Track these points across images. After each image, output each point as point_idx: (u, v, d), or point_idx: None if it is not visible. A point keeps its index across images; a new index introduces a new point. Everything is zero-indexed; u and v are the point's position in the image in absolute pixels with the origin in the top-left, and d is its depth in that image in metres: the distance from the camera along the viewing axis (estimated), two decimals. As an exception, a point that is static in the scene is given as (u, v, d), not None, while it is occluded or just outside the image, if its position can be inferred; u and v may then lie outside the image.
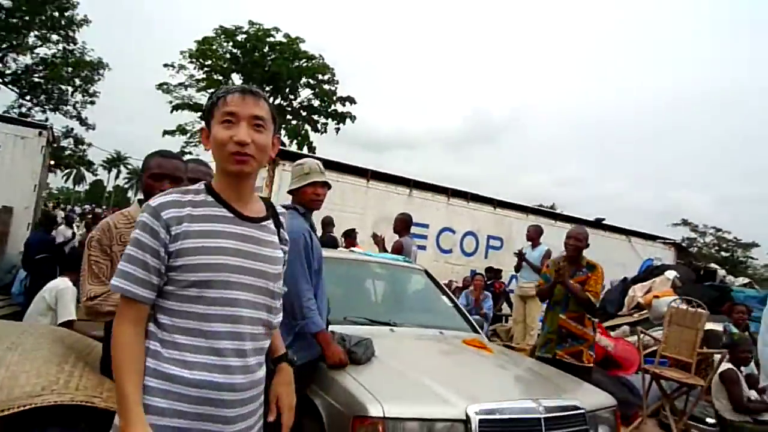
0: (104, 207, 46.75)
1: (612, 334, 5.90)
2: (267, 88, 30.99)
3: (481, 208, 11.03)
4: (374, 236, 6.03)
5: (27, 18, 23.11)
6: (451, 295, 4.47)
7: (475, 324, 4.11)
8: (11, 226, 8.28)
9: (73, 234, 9.60)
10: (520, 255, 6.93)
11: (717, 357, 4.57)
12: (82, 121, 26.26)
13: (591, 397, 2.94)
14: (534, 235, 7.13)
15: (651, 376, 4.21)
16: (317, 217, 6.88)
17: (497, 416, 2.44)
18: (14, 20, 22.91)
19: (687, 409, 4.32)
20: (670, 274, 8.16)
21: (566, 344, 3.93)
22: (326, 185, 2.97)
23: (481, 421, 2.38)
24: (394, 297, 4.28)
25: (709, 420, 4.40)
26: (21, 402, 1.81)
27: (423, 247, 9.92)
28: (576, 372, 3.67)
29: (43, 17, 23.60)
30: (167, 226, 1.31)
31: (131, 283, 1.30)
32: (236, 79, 31.26)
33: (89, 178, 59.11)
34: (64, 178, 55.71)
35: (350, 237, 7.09)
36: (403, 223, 6.02)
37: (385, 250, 5.88)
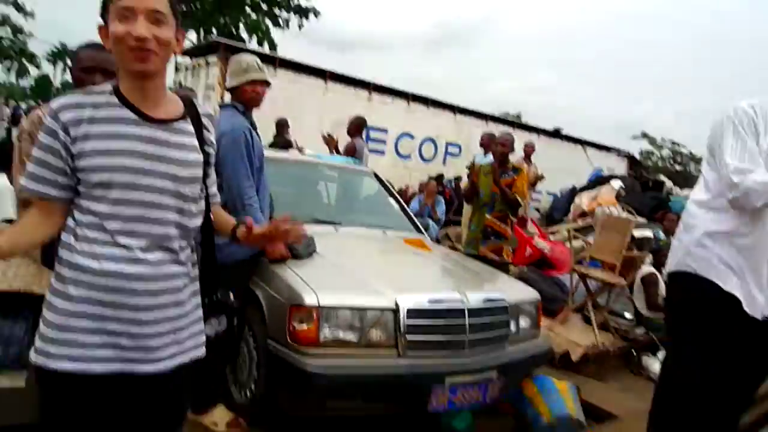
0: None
1: (552, 238, 6.26)
2: (223, -23, 28.86)
3: (441, 114, 11.03)
4: (326, 137, 6.01)
5: None
6: (399, 197, 4.59)
7: (419, 225, 4.29)
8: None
9: None
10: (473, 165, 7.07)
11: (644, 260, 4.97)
12: (19, 7, 24.13)
13: (514, 291, 3.19)
14: (487, 143, 7.22)
15: (579, 276, 4.56)
16: (270, 118, 6.76)
17: (424, 306, 2.64)
18: None
19: (608, 304, 4.74)
20: (616, 183, 8.53)
21: (489, 241, 4.30)
22: (266, 83, 2.94)
23: (409, 310, 2.59)
24: (342, 198, 4.39)
25: (627, 315, 4.85)
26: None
27: (381, 152, 9.99)
28: (498, 267, 4.02)
29: None
30: (65, 127, 1.32)
31: (36, 182, 1.35)
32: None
33: (33, 72, 55.22)
34: (5, 71, 51.95)
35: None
36: (357, 126, 6.01)
37: (338, 152, 5.90)
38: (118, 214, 1.35)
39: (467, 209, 7.48)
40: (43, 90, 63.93)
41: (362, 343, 2.55)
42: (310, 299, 2.49)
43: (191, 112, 1.50)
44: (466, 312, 2.74)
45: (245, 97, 2.89)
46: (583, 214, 8.07)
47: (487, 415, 3.12)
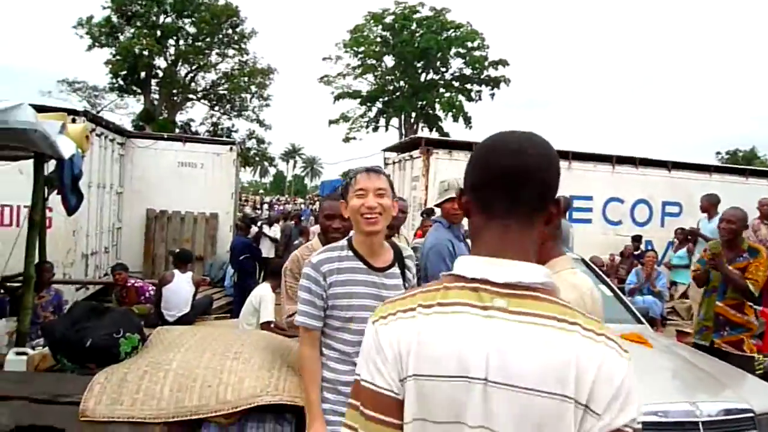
0: (286, 195, 52.09)
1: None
2: (419, 65, 31.67)
3: (652, 172, 10.20)
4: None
5: (208, 39, 26.61)
6: (611, 283, 4.42)
7: (638, 315, 4.05)
8: (218, 230, 9.95)
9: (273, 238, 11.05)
10: (693, 232, 6.39)
11: None
12: (261, 123, 29.64)
13: (762, 396, 2.81)
14: (708, 206, 6.50)
15: None
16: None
17: (649, 418, 2.51)
18: (198, 43, 26.55)
19: None
20: None
21: (724, 333, 3.72)
22: None
23: (632, 423, 2.47)
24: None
25: None
26: (248, 401, 2.43)
27: (588, 221, 9.59)
28: (739, 361, 3.49)
29: (220, 36, 26.96)
30: (324, 276, 1.92)
31: (308, 318, 1.94)
32: (389, 61, 32.44)
33: (272, 170, 66.35)
34: (252, 172, 63.25)
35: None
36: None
37: (541, 236, 5.89)
38: (356, 340, 1.83)
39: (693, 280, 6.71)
40: (279, 184, 76.16)
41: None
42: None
43: (398, 257, 2.06)
44: (701, 425, 2.52)
45: (445, 213, 3.25)
46: None
47: None
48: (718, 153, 45.80)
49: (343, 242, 2.02)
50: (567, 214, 6.08)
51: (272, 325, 4.47)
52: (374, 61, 32.64)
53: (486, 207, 0.97)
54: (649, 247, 8.62)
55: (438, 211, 3.58)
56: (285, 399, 2.48)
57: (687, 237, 7.87)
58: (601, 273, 4.55)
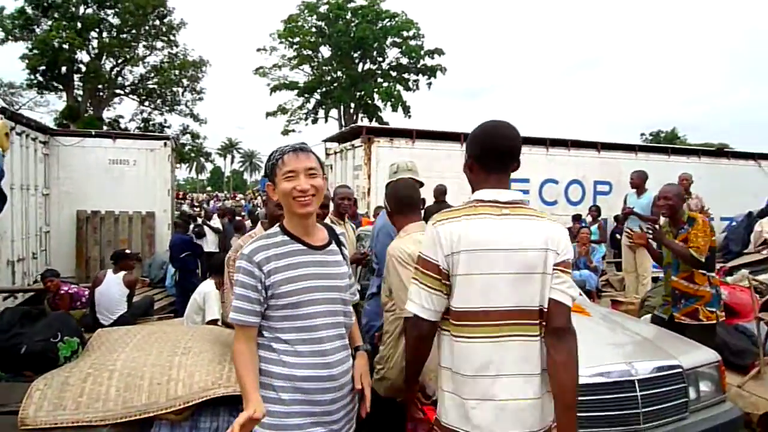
0: (225, 192, 50.74)
1: (729, 279, 5.67)
2: (355, 55, 31.54)
3: (583, 153, 10.69)
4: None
5: (134, 31, 25.37)
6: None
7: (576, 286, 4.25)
8: (155, 228, 9.59)
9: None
10: (629, 212, 6.70)
11: None
12: (195, 118, 28.68)
13: (691, 355, 3.03)
14: (638, 182, 6.85)
15: (766, 324, 4.10)
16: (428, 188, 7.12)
17: (589, 381, 2.65)
18: (123, 36, 25.27)
19: (814, 352, 4.16)
20: (803, 203, 7.48)
21: (680, 305, 3.83)
22: (413, 181, 3.28)
23: (575, 386, 2.62)
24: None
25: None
26: (200, 395, 2.39)
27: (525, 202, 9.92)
28: (695, 331, 3.61)
29: (147, 27, 25.76)
30: (259, 266, 1.75)
31: (242, 314, 1.75)
32: (325, 51, 32.11)
33: (209, 166, 64.41)
34: (188, 169, 61.12)
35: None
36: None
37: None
38: (307, 326, 1.77)
39: (627, 255, 7.11)
40: (217, 180, 74.04)
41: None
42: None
43: (333, 236, 1.97)
44: (636, 383, 2.69)
45: None
46: (765, 243, 7.17)
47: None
48: (643, 134, 48.41)
49: (275, 228, 1.87)
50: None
51: (218, 323, 4.37)
52: (310, 52, 32.19)
53: (488, 167, 1.81)
54: (584, 225, 9.02)
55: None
56: (239, 390, 2.44)
57: (622, 215, 8.31)
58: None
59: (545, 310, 1.70)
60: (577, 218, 9.74)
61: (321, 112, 33.25)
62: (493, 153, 1.80)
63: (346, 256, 1.97)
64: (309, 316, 1.77)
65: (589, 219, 9.48)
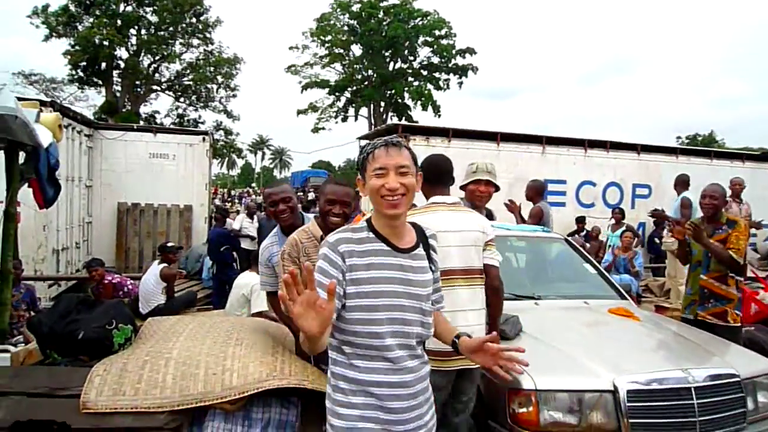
0: (254, 187, 51.38)
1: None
2: (386, 53, 31.59)
3: (622, 155, 10.45)
4: (509, 204, 6.16)
5: (171, 29, 25.89)
6: (593, 261, 4.53)
7: (621, 290, 4.17)
8: (192, 221, 9.77)
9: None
10: (657, 215, 6.62)
11: None
12: (229, 114, 29.11)
13: (746, 363, 2.94)
14: (680, 186, 6.75)
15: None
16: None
17: (645, 386, 2.60)
18: (161, 33, 25.82)
19: None
20: None
21: (708, 305, 3.86)
22: (490, 184, 3.29)
23: (629, 392, 2.57)
24: (536, 269, 4.47)
25: None
26: (255, 386, 2.42)
27: (562, 204, 9.77)
28: (722, 332, 3.62)
29: (184, 25, 26.27)
30: (343, 257, 1.64)
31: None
32: (356, 50, 32.24)
33: (239, 162, 65.34)
34: (219, 165, 62.18)
35: None
36: (535, 191, 6.08)
37: (522, 219, 6.00)
38: (384, 331, 1.63)
39: (669, 259, 6.96)
40: (247, 176, 75.10)
41: (583, 425, 2.59)
42: (527, 383, 2.61)
43: (422, 238, 1.83)
44: (693, 391, 2.62)
45: (468, 195, 3.30)
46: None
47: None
48: (679, 137, 47.22)
49: (361, 223, 1.76)
50: (543, 195, 6.17)
51: (263, 315, 4.42)
52: (341, 50, 32.37)
53: (435, 184, 2.82)
54: (623, 229, 8.84)
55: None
56: (293, 382, 2.47)
57: (654, 217, 8.12)
58: (583, 251, 4.66)
59: (482, 269, 2.70)
60: (580, 220, 9.48)
61: (351, 111, 33.39)
62: (440, 176, 2.86)
63: (434, 260, 1.84)
64: (382, 322, 1.64)
65: (612, 222, 9.23)
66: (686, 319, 3.99)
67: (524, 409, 2.62)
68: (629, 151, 10.48)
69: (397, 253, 1.72)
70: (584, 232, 9.28)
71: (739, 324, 3.82)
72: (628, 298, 4.10)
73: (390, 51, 31.76)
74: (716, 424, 2.62)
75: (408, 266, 1.72)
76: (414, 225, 1.86)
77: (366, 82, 32.41)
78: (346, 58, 32.81)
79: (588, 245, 8.25)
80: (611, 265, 7.33)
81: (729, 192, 7.00)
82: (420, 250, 1.79)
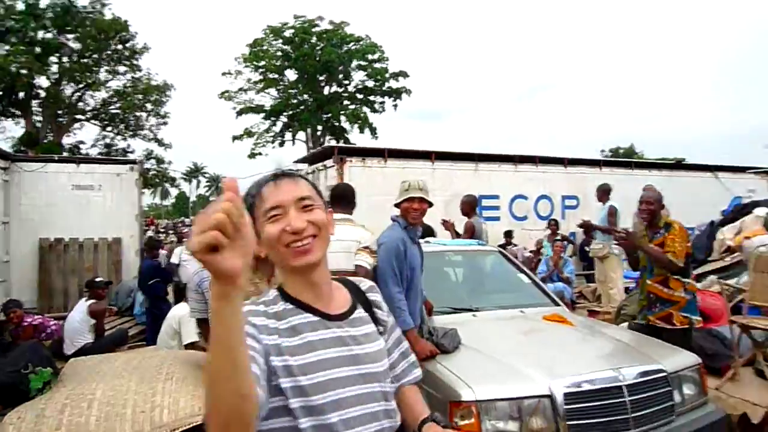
0: (191, 217, 49.83)
1: (699, 285, 5.83)
2: (321, 78, 31.72)
3: (551, 169, 10.93)
4: (444, 222, 6.29)
5: (96, 56, 24.94)
6: (527, 271, 4.67)
7: (554, 297, 4.31)
8: (122, 254, 9.31)
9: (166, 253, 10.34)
10: (585, 226, 6.96)
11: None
12: (160, 142, 28.19)
13: (673, 359, 3.08)
14: (601, 196, 7.14)
15: (740, 327, 4.22)
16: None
17: (580, 388, 2.68)
18: (85, 60, 24.81)
19: (784, 354, 4.30)
20: (761, 211, 7.79)
21: (655, 309, 3.92)
22: (423, 201, 3.30)
23: (565, 394, 2.64)
24: (473, 282, 4.56)
25: (808, 362, 4.36)
26: (187, 421, 2.30)
27: (497, 218, 10.06)
28: (670, 335, 3.70)
29: (109, 52, 25.37)
30: (259, 331, 1.13)
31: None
32: (291, 74, 32.18)
33: (174, 191, 63.22)
34: (152, 195, 59.95)
35: None
36: (469, 205, 6.24)
37: (457, 234, 6.12)
38: None
39: (597, 266, 7.28)
40: (182, 206, 72.75)
41: (524, 432, 2.63)
42: (467, 395, 2.64)
43: (357, 295, 1.35)
44: (625, 389, 2.72)
45: (403, 212, 3.30)
46: (729, 250, 7.43)
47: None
48: (603, 151, 49.91)
49: (272, 293, 1.26)
50: (476, 211, 6.34)
51: (196, 347, 4.25)
52: (276, 75, 32.23)
53: (335, 205, 3.38)
54: (557, 239, 9.18)
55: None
56: None
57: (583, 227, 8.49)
58: (517, 262, 4.80)
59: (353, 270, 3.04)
60: (508, 234, 9.64)
61: (288, 135, 33.18)
62: (335, 198, 3.61)
63: (382, 320, 1.35)
64: (336, 428, 1.13)
65: (548, 232, 9.61)
66: (639, 324, 4.05)
67: (466, 421, 2.62)
68: (557, 165, 10.97)
69: (329, 323, 1.22)
70: (512, 245, 9.52)
71: (687, 326, 3.83)
72: (562, 304, 4.24)
73: (325, 75, 31.94)
74: (648, 419, 2.73)
75: (349, 338, 1.22)
76: (344, 281, 1.39)
77: (302, 107, 32.36)
78: (281, 82, 32.68)
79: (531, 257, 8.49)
80: (547, 275, 7.58)
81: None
82: (360, 312, 1.30)
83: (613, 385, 2.72)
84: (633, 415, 2.69)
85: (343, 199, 3.59)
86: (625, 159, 14.88)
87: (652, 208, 4.03)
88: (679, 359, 3.12)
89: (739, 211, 8.67)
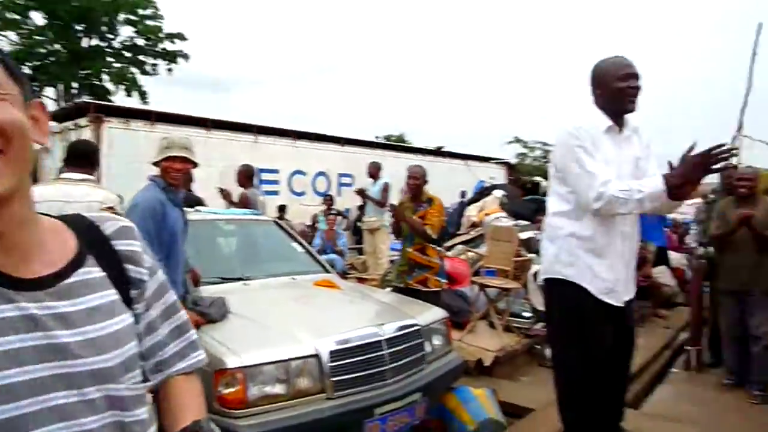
0: None
1: (449, 253, 6.67)
2: (79, 27, 27.39)
3: (328, 147, 11.28)
4: (221, 191, 5.99)
5: None
6: (302, 240, 4.71)
7: (325, 264, 4.44)
8: None
9: None
10: (361, 192, 7.38)
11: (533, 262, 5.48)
12: None
13: (425, 314, 3.43)
14: (373, 171, 7.61)
15: (478, 286, 4.94)
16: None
17: (344, 345, 2.79)
18: None
19: (508, 307, 5.17)
20: (498, 193, 9.24)
21: (414, 274, 4.37)
22: (186, 160, 2.93)
23: (330, 352, 2.72)
24: (246, 251, 4.41)
25: (526, 314, 5.32)
26: None
27: (276, 192, 10.00)
28: (425, 296, 4.14)
29: None
30: None
31: None
32: (37, 17, 27.08)
33: None
34: None
35: None
36: (244, 175, 6.06)
37: (233, 204, 5.89)
38: None
39: (367, 237, 7.79)
40: None
41: (291, 393, 2.63)
42: (232, 361, 2.53)
43: (96, 242, 0.86)
44: (384, 343, 2.92)
45: (163, 173, 2.91)
46: (474, 225, 8.65)
47: (417, 433, 3.30)
48: (377, 136, 53.63)
49: None
50: (253, 182, 6.17)
51: None
52: (17, 16, 26.76)
53: (70, 164, 3.22)
54: (333, 213, 9.52)
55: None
56: None
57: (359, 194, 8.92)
58: (292, 232, 4.80)
59: None
60: (281, 208, 9.56)
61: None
62: (72, 157, 3.23)
63: (140, 284, 0.88)
64: None
65: (324, 208, 9.95)
66: (397, 287, 4.45)
67: (231, 389, 2.52)
68: (334, 144, 11.37)
69: (14, 294, 0.72)
70: (285, 221, 9.53)
71: (439, 288, 4.39)
72: (333, 271, 4.38)
73: (83, 25, 27.62)
74: (403, 369, 2.98)
75: (50, 316, 0.74)
76: (73, 221, 0.86)
77: (52, 58, 27.55)
78: (24, 27, 27.26)
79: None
80: (322, 248, 7.82)
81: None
82: (88, 271, 0.81)
83: (374, 340, 2.90)
84: (391, 366, 2.91)
85: (83, 157, 3.24)
86: (394, 143, 16.17)
87: (418, 182, 4.48)
88: (430, 315, 3.48)
89: (482, 192, 10.14)
